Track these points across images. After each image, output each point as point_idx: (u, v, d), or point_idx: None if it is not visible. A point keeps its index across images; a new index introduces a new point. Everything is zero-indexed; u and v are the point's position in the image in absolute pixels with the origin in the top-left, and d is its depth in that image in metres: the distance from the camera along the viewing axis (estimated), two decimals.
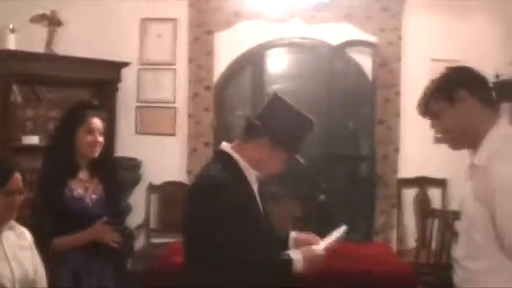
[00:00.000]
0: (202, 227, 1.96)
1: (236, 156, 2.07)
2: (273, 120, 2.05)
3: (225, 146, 2.13)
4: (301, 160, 2.14)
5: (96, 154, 2.62)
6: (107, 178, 2.68)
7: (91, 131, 2.60)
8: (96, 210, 2.60)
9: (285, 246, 2.19)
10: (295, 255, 2.02)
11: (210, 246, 1.93)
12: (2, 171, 2.05)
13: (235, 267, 1.92)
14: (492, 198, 1.81)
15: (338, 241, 2.17)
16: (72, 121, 2.61)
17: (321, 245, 2.11)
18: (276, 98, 2.12)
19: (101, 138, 2.63)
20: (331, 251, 2.12)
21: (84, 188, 2.61)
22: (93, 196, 2.63)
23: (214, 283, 1.95)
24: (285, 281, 2.00)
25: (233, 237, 1.91)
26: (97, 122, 2.63)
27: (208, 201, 1.95)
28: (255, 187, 2.11)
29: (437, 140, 5.04)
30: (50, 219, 2.30)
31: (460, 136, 1.98)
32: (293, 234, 2.24)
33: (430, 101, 2.01)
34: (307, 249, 2.07)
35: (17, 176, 2.07)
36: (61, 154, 2.58)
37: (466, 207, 1.99)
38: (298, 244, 2.17)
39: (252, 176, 2.09)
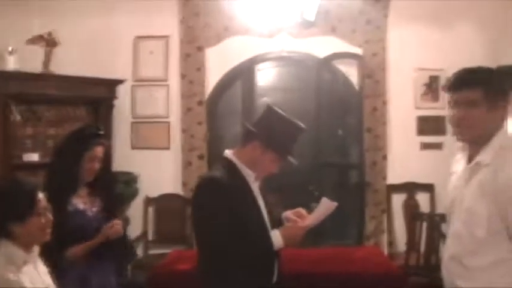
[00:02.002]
0: (199, 219, 2.27)
1: (234, 159, 2.34)
2: (264, 126, 2.33)
3: (226, 152, 2.39)
4: (294, 162, 2.37)
5: (91, 178, 2.81)
6: (104, 193, 2.86)
7: (93, 159, 2.78)
8: (96, 222, 2.77)
9: (280, 224, 2.44)
10: (274, 233, 2.31)
11: (203, 236, 2.26)
12: (29, 195, 2.00)
13: (227, 251, 2.20)
14: (503, 196, 1.93)
15: (326, 215, 2.42)
16: (79, 147, 2.76)
17: (306, 222, 2.37)
18: (269, 108, 2.39)
19: (98, 165, 2.80)
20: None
21: (83, 203, 2.79)
22: (93, 209, 2.81)
23: (212, 270, 2.27)
24: (269, 255, 2.31)
25: (222, 227, 2.18)
26: (100, 151, 2.81)
27: (203, 196, 2.26)
28: (254, 185, 2.36)
29: (424, 147, 5.22)
30: (56, 232, 2.43)
31: (477, 132, 2.05)
32: (285, 213, 2.49)
33: (474, 89, 2.01)
34: (286, 227, 2.38)
35: (41, 195, 2.04)
36: (66, 174, 2.72)
37: (466, 204, 2.04)
38: (288, 221, 2.43)
39: (249, 176, 2.34)
